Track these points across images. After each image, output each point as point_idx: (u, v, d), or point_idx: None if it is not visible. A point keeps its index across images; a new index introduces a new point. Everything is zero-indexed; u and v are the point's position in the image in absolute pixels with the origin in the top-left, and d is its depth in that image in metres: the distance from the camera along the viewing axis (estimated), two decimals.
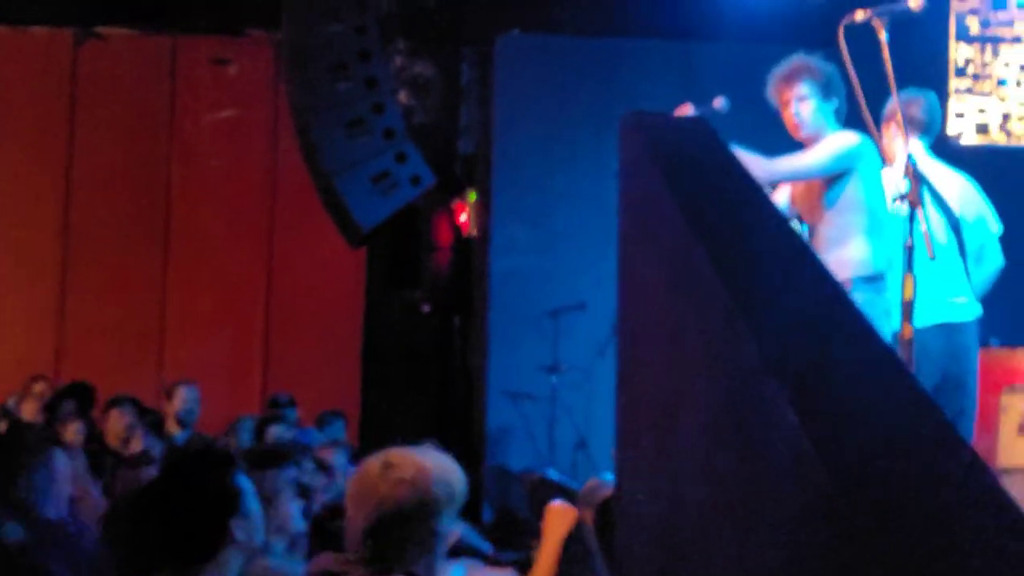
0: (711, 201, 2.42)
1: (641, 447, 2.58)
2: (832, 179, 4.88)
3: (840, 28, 3.96)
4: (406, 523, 2.70)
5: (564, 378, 8.43)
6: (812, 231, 5.07)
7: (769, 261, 2.14)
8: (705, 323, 2.16)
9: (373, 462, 2.79)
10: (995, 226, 5.73)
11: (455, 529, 2.81)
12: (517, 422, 8.60)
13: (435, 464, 2.79)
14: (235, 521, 2.70)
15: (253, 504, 2.78)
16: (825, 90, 4.87)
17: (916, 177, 3.72)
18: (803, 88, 4.90)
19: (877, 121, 4.54)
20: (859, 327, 2.02)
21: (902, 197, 3.73)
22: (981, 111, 9.04)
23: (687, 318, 2.22)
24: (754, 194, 2.53)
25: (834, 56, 4.38)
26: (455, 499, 2.77)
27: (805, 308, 1.98)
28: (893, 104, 4.31)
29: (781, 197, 5.20)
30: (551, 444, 8.41)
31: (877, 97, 4.38)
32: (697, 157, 2.44)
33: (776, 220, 2.50)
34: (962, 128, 9.01)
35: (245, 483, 2.79)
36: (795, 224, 5.09)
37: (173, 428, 7.50)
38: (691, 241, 2.25)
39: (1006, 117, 9.06)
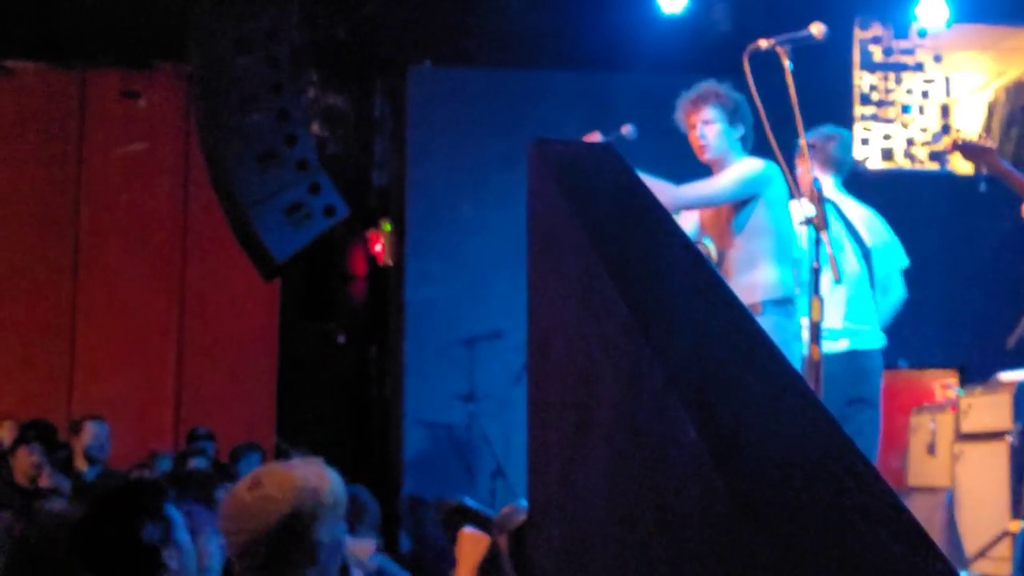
0: (617, 226, 2.43)
1: (551, 471, 2.57)
2: (740, 204, 4.95)
3: (745, 56, 4.01)
4: (279, 539, 2.69)
5: (480, 406, 8.42)
6: (721, 256, 5.12)
7: (675, 284, 2.16)
8: (611, 346, 2.16)
9: (242, 482, 2.78)
10: (902, 259, 5.85)
11: (342, 535, 2.79)
12: (434, 451, 8.56)
13: (303, 476, 2.77)
14: (168, 551, 2.68)
15: (183, 535, 2.76)
16: (731, 116, 4.94)
17: (821, 201, 3.77)
18: (710, 112, 4.98)
19: (784, 146, 4.60)
20: (763, 348, 2.03)
21: (807, 221, 3.78)
22: (886, 137, 9.22)
23: (593, 342, 2.22)
24: (661, 219, 2.54)
25: (741, 84, 4.44)
26: (331, 506, 2.75)
27: (710, 329, 1.99)
28: (802, 140, 4.37)
29: (689, 223, 5.25)
30: (469, 472, 8.39)
31: (785, 123, 4.43)
32: (603, 182, 2.44)
33: (683, 244, 2.52)
34: (868, 153, 9.18)
35: (175, 514, 2.77)
36: (706, 246, 5.15)
37: (82, 464, 7.36)
38: (597, 265, 2.26)
39: (910, 142, 9.24)
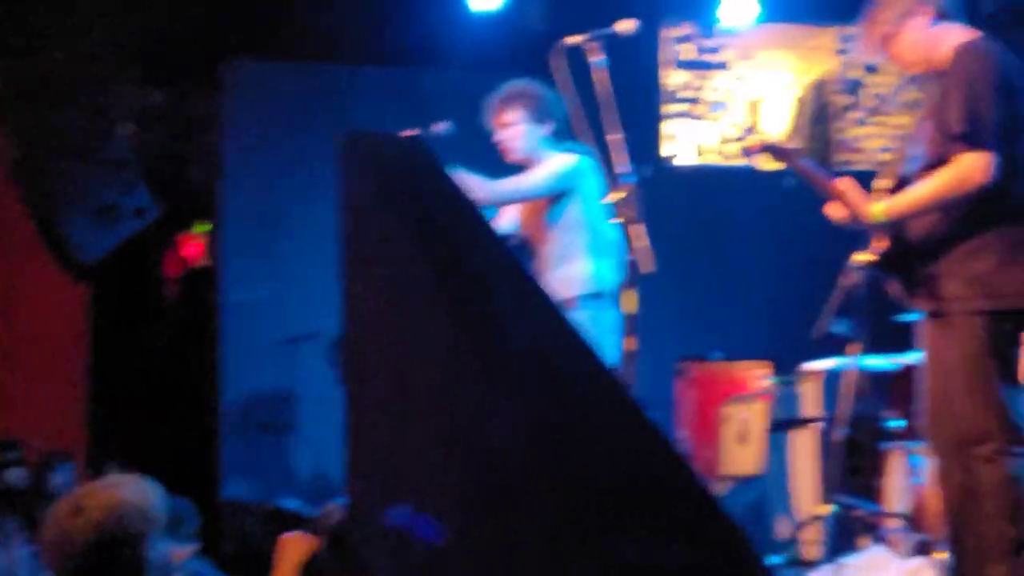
0: (430, 220, 2.44)
1: (371, 467, 2.57)
2: (554, 199, 5.03)
3: (555, 53, 4.07)
4: (106, 562, 2.64)
5: (302, 407, 8.34)
6: (538, 250, 5.19)
7: (488, 278, 2.18)
8: (428, 339, 2.17)
9: (63, 505, 2.73)
10: None
11: (167, 548, 2.76)
12: (255, 454, 8.45)
13: (125, 496, 2.73)
14: None
15: None
16: (536, 115, 5.06)
17: (633, 194, 3.85)
18: (512, 114, 5.11)
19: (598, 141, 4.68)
20: (578, 343, 2.07)
21: (619, 214, 3.86)
22: (696, 134, 9.44)
23: (409, 338, 2.23)
24: (473, 213, 2.57)
25: (560, 80, 4.50)
26: (155, 523, 2.72)
27: (525, 324, 2.02)
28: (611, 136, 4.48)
29: (509, 218, 5.31)
30: (291, 474, 8.30)
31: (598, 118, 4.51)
32: (415, 176, 2.45)
33: (494, 238, 2.55)
34: (678, 150, 9.39)
35: None
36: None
37: None
38: (411, 259, 2.26)
39: (719, 139, 9.50)
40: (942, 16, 4.06)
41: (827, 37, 9.78)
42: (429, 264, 2.28)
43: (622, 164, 3.92)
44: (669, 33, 9.41)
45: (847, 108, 9.79)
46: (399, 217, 2.35)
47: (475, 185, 4.75)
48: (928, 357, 4.02)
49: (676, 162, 9.35)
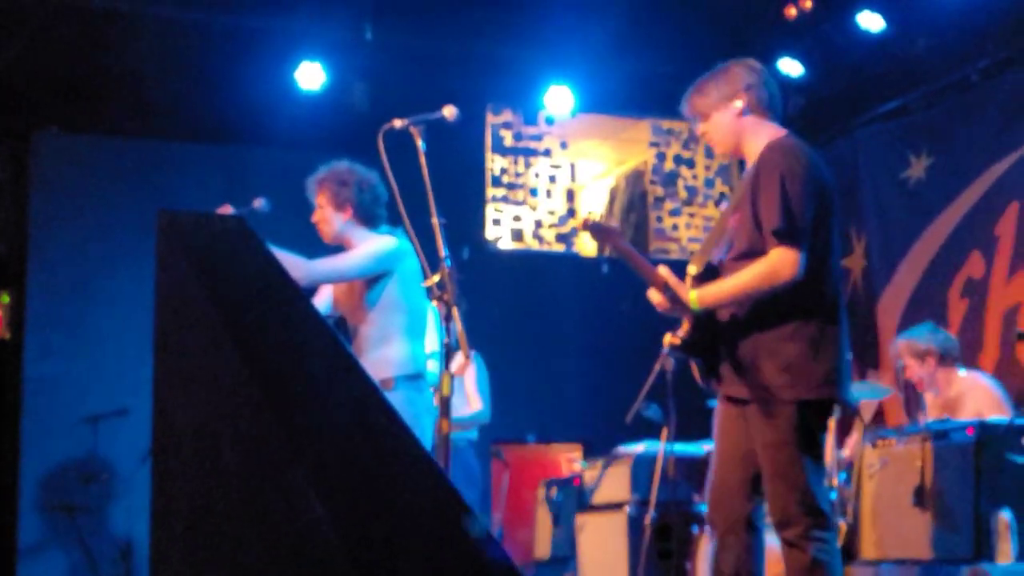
0: (246, 300, 2.42)
1: (176, 548, 2.51)
2: (372, 280, 5.04)
3: (380, 135, 4.10)
4: None
5: (104, 488, 8.09)
6: (355, 331, 5.17)
7: (302, 357, 2.17)
8: (237, 420, 2.14)
9: None
10: None
11: None
12: (53, 536, 8.14)
13: None
14: None
15: None
16: (337, 200, 5.12)
17: (451, 276, 3.88)
18: (320, 197, 5.14)
19: (418, 224, 4.72)
20: (391, 424, 2.07)
21: (439, 297, 3.88)
22: (516, 218, 9.59)
23: (219, 416, 2.20)
24: (290, 293, 2.55)
25: (378, 161, 4.53)
26: None
27: (337, 403, 2.01)
28: (434, 219, 4.51)
29: (323, 298, 5.29)
30: (90, 557, 8.02)
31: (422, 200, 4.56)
32: (231, 254, 2.43)
33: (312, 319, 2.54)
34: (500, 233, 9.51)
35: None
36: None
37: None
38: (224, 338, 2.24)
39: (538, 224, 9.66)
40: (757, 109, 4.24)
41: (641, 129, 10.07)
42: (240, 343, 2.26)
43: (441, 247, 3.96)
44: (494, 119, 9.58)
45: (661, 199, 10.08)
46: (215, 297, 2.33)
47: (292, 264, 4.73)
48: (723, 441, 4.16)
49: (499, 245, 9.47)
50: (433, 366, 5.50)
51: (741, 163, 4.43)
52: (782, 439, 3.94)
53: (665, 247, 9.99)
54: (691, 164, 10.19)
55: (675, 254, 9.80)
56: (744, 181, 4.20)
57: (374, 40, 8.43)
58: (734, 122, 4.23)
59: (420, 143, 4.05)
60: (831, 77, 9.18)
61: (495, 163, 9.59)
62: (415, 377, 5.03)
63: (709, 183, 10.23)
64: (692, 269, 4.16)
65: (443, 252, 3.91)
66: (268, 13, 8.20)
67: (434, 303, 3.92)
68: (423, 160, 4.04)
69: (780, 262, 3.94)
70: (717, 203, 10.21)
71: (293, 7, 8.19)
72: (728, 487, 4.10)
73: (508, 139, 9.62)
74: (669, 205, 10.09)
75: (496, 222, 9.56)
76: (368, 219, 5.17)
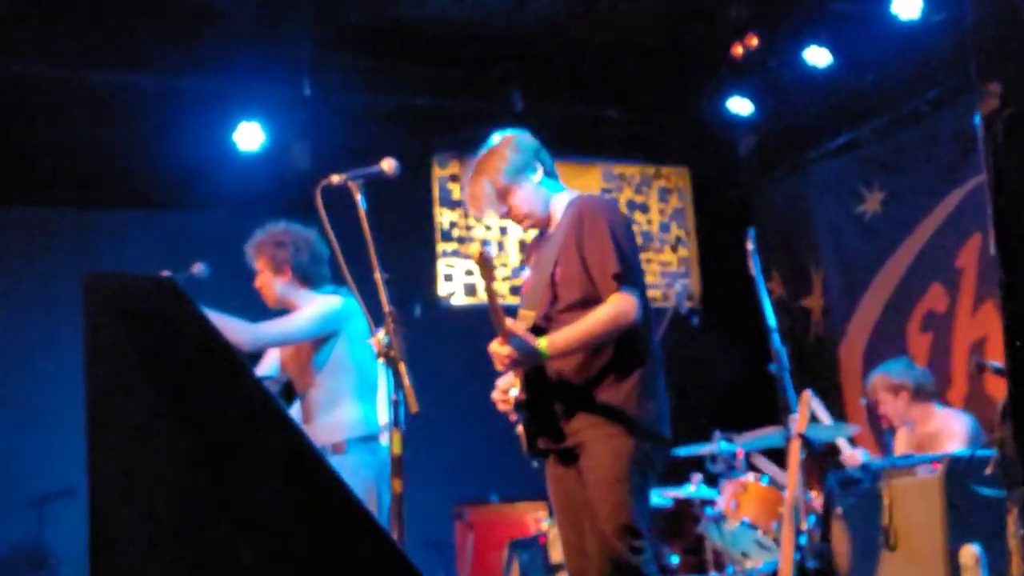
0: (180, 365, 2.43)
1: None
2: (319, 342, 5.05)
3: (317, 191, 4.12)
4: None
5: (52, 572, 7.99)
6: (304, 395, 5.17)
7: (233, 415, 2.17)
8: (173, 489, 2.15)
9: None
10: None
11: None
12: None
13: None
14: None
15: None
16: (274, 264, 5.14)
17: (397, 332, 3.89)
18: (258, 262, 5.17)
19: (361, 281, 4.73)
20: (335, 489, 2.08)
21: (384, 354, 3.89)
22: (468, 272, 9.61)
23: (152, 472, 2.20)
24: (227, 357, 2.56)
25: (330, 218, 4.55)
26: None
27: (268, 460, 2.02)
28: (376, 275, 4.53)
29: (270, 362, 5.30)
30: None
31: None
32: (160, 315, 2.44)
33: (249, 383, 2.54)
34: (452, 289, 9.53)
35: None
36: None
37: None
38: (158, 405, 2.25)
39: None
40: (548, 175, 4.53)
41: (593, 174, 10.15)
42: (173, 404, 2.27)
43: (386, 302, 3.98)
44: (441, 172, 9.62)
45: None
46: (148, 363, 2.33)
47: (235, 329, 4.75)
48: (561, 502, 4.40)
49: (452, 301, 9.48)
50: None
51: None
52: (614, 476, 4.13)
53: None
54: (645, 209, 10.27)
55: None
56: (555, 239, 4.40)
57: (313, 96, 8.49)
58: (534, 192, 4.49)
59: (359, 198, 4.08)
60: (782, 114, 9.32)
61: (444, 216, 9.63)
62: (368, 439, 5.04)
63: (664, 227, 10.31)
64: (521, 325, 4.31)
65: (387, 307, 3.93)
66: (204, 73, 8.23)
67: (380, 360, 3.94)
68: (363, 215, 4.06)
69: (624, 304, 4.19)
70: (673, 248, 10.30)
71: (229, 67, 8.23)
72: (583, 548, 4.28)
73: (456, 192, 9.67)
74: None
75: (448, 277, 9.58)
76: (309, 279, 5.20)
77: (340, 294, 5.13)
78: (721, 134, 9.88)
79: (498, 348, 4.21)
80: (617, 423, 4.19)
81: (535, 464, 4.56)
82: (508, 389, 4.35)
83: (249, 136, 8.31)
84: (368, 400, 5.12)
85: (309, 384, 5.13)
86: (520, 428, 4.40)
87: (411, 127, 8.83)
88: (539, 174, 4.49)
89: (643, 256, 10.16)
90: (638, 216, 10.24)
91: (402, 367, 3.87)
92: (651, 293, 10.33)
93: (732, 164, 10.16)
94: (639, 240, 10.17)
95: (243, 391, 2.42)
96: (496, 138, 4.52)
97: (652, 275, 10.14)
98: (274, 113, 8.38)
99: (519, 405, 4.33)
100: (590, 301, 4.25)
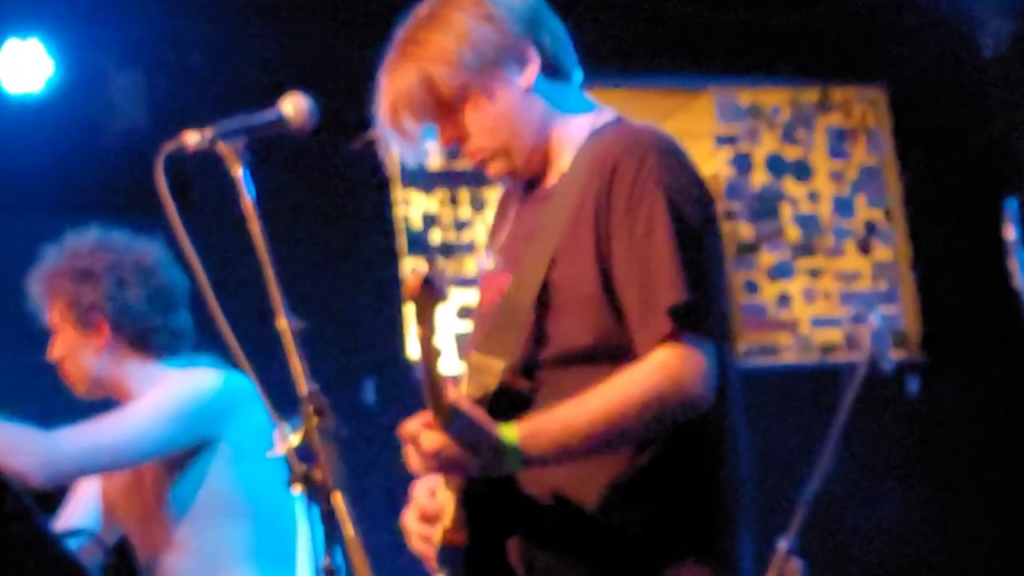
0: None
1: None
2: (176, 463, 5.04)
3: (158, 163, 4.09)
4: None
5: None
6: (152, 568, 5.17)
7: None
8: None
9: None
10: None
11: None
12: None
13: None
14: None
15: None
16: (101, 304, 5.13)
17: (326, 435, 3.85)
18: (60, 310, 5.15)
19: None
20: None
21: (303, 479, 3.86)
22: (464, 313, 9.70)
23: None
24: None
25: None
26: None
27: None
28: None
29: (85, 505, 5.30)
30: None
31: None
32: None
33: (40, 544, 2.56)
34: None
35: None
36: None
37: None
38: None
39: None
40: (554, 74, 4.20)
41: (699, 108, 10.24)
42: None
43: (303, 377, 3.93)
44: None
45: None
46: None
47: (10, 444, 4.72)
48: None
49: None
50: None
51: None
52: None
53: None
54: (803, 170, 10.41)
55: None
56: (555, 208, 4.14)
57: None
58: (521, 108, 4.16)
59: (239, 173, 4.03)
60: None
61: (412, 206, 9.66)
62: None
63: (843, 205, 10.38)
64: (473, 389, 4.08)
65: (305, 388, 3.90)
66: None
67: (295, 491, 3.90)
68: (249, 207, 4.01)
69: (682, 368, 3.89)
70: (863, 245, 10.32)
71: None
72: None
73: (435, 155, 9.67)
74: None
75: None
76: (147, 340, 5.16)
77: (212, 366, 5.11)
78: (947, 21, 9.89)
79: (420, 433, 3.96)
80: None
81: None
82: (433, 516, 4.08)
83: (24, 65, 8.37)
84: (277, 568, 5.12)
85: (161, 546, 5.14)
86: None
87: (340, 37, 8.88)
88: (534, 69, 4.16)
89: (808, 263, 10.21)
90: (790, 185, 10.29)
91: (339, 502, 3.82)
92: (826, 335, 10.37)
93: (968, 78, 10.17)
94: (789, 234, 10.22)
95: (32, 563, 2.46)
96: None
97: (824, 300, 10.16)
98: (72, 21, 8.46)
99: (448, 553, 4.08)
100: (611, 350, 3.99)
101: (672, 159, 4.04)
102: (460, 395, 3.79)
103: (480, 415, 3.72)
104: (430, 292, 3.54)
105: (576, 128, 4.18)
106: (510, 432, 3.82)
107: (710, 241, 4.01)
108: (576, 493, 3.95)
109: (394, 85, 4.11)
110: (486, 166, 4.19)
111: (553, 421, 3.85)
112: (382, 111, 4.14)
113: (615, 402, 3.84)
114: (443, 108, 4.09)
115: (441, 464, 3.84)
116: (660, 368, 3.86)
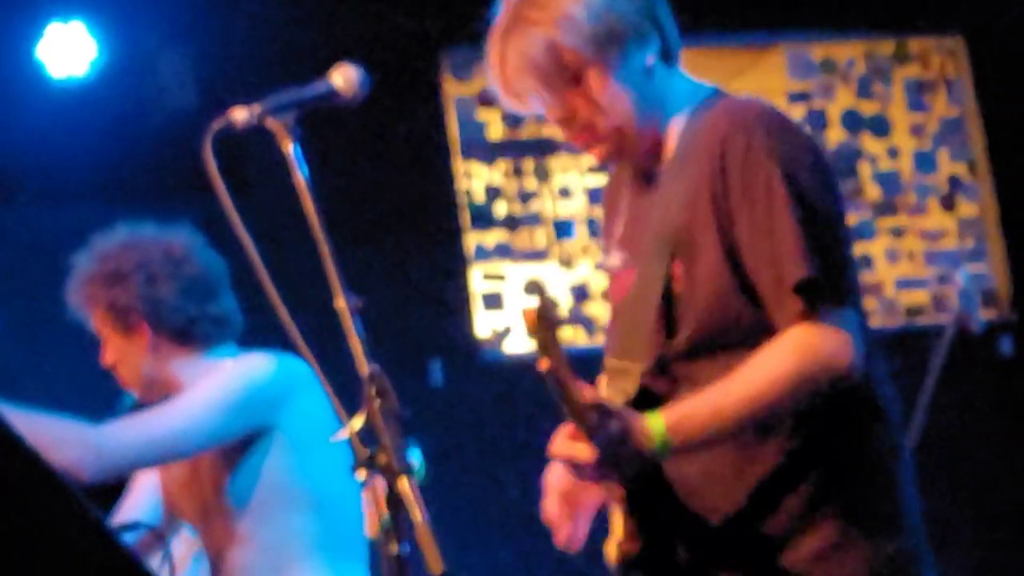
0: None
1: None
2: (233, 453, 5.04)
3: (207, 143, 4.09)
4: None
5: None
6: (217, 563, 5.19)
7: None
8: None
9: None
10: None
11: None
12: None
13: None
14: None
15: None
16: (136, 305, 5.15)
17: (390, 418, 3.85)
18: (100, 316, 5.17)
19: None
20: None
21: (369, 463, 3.85)
22: (531, 288, 9.69)
23: None
24: (48, 494, 2.58)
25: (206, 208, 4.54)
26: None
27: None
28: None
29: (143, 498, 5.32)
30: None
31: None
32: None
33: (98, 539, 2.56)
34: (500, 323, 9.61)
35: None
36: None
37: None
38: None
39: (582, 294, 9.77)
40: (667, 57, 4.22)
41: (770, 63, 10.20)
42: None
43: (363, 357, 3.92)
44: (459, 88, 9.66)
45: None
46: None
47: (62, 439, 4.72)
48: None
49: (504, 348, 9.51)
50: None
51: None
52: None
53: None
54: (880, 126, 10.34)
55: None
56: (668, 194, 4.14)
57: None
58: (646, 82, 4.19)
59: (290, 150, 4.04)
60: None
61: (474, 179, 9.63)
62: None
63: (924, 160, 10.34)
64: (614, 393, 4.10)
65: (367, 367, 3.90)
66: None
67: (362, 476, 3.90)
68: (302, 185, 4.02)
69: (824, 342, 3.94)
70: (946, 202, 10.28)
71: None
72: None
73: (496, 125, 9.65)
74: None
75: (492, 301, 9.59)
76: (187, 332, 5.16)
77: (264, 352, 5.11)
78: None
79: (571, 449, 3.99)
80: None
81: None
82: (611, 534, 4.15)
83: (68, 49, 8.40)
84: (346, 559, 5.13)
85: (224, 538, 5.15)
86: None
87: (389, 6, 8.87)
88: (655, 49, 4.18)
89: (890, 223, 10.18)
90: (868, 141, 10.24)
91: (405, 488, 3.82)
92: (912, 297, 10.32)
93: None
94: (869, 192, 10.18)
95: (89, 559, 2.47)
96: None
97: (908, 260, 10.12)
98: (114, 1, 8.47)
99: (629, 566, 4.13)
100: (744, 334, 4.04)
101: (780, 129, 4.06)
102: (596, 394, 3.86)
103: (624, 413, 3.78)
104: (547, 324, 3.61)
105: (682, 109, 4.19)
106: (656, 421, 3.88)
107: (831, 207, 4.02)
108: (733, 487, 4.02)
109: (515, 49, 4.09)
110: (593, 148, 4.20)
111: (701, 407, 3.92)
112: (498, 75, 4.14)
113: (761, 383, 3.91)
114: (559, 80, 4.07)
115: (597, 473, 3.89)
116: (796, 348, 3.92)
